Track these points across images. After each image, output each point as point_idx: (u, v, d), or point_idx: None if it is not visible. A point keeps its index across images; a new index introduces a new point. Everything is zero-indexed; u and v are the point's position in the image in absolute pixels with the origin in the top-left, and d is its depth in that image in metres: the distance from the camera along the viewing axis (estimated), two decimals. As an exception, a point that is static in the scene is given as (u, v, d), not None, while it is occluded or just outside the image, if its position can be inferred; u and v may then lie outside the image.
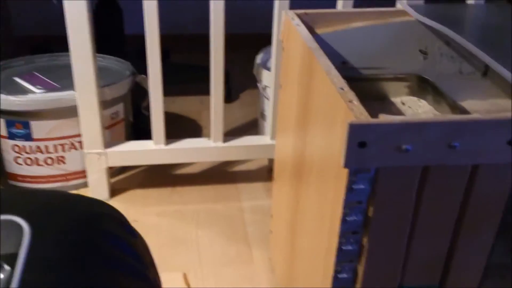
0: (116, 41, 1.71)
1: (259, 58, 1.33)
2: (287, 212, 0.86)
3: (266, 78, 1.26)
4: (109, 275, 0.30)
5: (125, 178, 1.31)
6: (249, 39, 1.85)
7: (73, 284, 0.26)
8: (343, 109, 0.53)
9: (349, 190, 0.52)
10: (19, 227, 0.29)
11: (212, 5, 1.07)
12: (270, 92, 1.21)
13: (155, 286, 0.38)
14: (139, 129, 1.37)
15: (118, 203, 1.22)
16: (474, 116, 0.50)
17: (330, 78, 0.58)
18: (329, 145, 0.59)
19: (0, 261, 0.27)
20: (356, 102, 0.53)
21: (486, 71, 0.84)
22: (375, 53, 0.86)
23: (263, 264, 1.05)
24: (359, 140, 0.49)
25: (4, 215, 0.29)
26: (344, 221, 0.54)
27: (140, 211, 1.20)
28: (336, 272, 0.57)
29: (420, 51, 0.86)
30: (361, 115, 0.50)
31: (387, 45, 0.86)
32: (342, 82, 0.57)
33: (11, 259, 0.27)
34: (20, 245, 0.27)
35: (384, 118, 0.49)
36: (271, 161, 1.36)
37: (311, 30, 0.82)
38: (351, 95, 0.54)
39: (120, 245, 0.34)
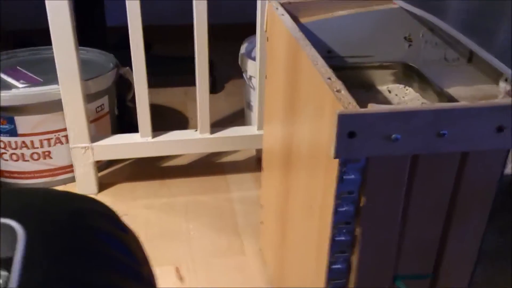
0: (98, 33, 1.68)
1: (243, 48, 1.32)
2: (277, 203, 0.86)
3: (251, 68, 1.26)
4: (103, 274, 0.30)
5: (112, 172, 1.30)
6: (231, 30, 1.84)
7: (68, 286, 0.26)
8: (330, 99, 0.53)
9: (340, 180, 0.52)
10: (12, 230, 0.28)
11: (196, -4, 1.06)
12: (255, 82, 1.21)
13: (149, 283, 0.38)
14: (124, 121, 1.36)
15: (106, 197, 1.21)
16: (463, 103, 0.50)
17: (317, 68, 0.58)
18: (317, 135, 0.59)
19: None
20: (344, 91, 0.53)
21: (470, 57, 0.85)
22: (360, 41, 0.86)
23: (254, 255, 1.05)
24: (348, 130, 0.49)
25: (-3, 218, 0.28)
26: (336, 212, 0.54)
27: (129, 204, 1.19)
28: (330, 263, 0.57)
29: (405, 38, 0.86)
30: (350, 104, 0.50)
31: (372, 33, 0.85)
32: (329, 72, 0.57)
33: (7, 263, 0.26)
34: (14, 248, 0.27)
35: (372, 107, 0.49)
36: (258, 151, 1.35)
37: (295, 19, 0.82)
38: (339, 84, 0.54)
39: (112, 243, 0.34)
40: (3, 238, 0.28)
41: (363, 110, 0.49)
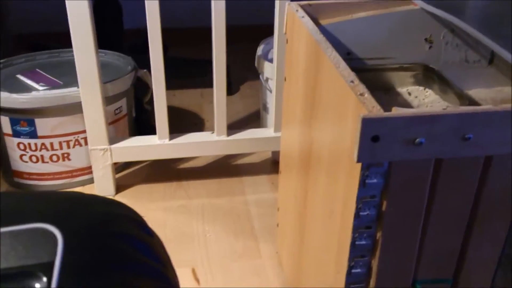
0: (115, 36, 1.70)
1: (260, 50, 1.32)
2: (294, 205, 0.86)
3: (268, 70, 1.25)
4: (132, 278, 0.30)
5: (129, 174, 1.31)
6: (245, 31, 1.84)
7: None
8: (354, 102, 0.53)
9: (362, 184, 0.52)
10: (51, 235, 0.28)
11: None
12: (272, 84, 1.21)
13: (173, 286, 0.38)
14: (141, 123, 1.37)
15: (123, 199, 1.22)
16: (489, 107, 0.49)
17: (339, 71, 0.58)
18: (339, 138, 0.59)
19: (37, 271, 0.26)
20: (367, 95, 0.52)
21: (492, 58, 0.84)
22: (379, 43, 0.85)
23: (270, 258, 1.05)
24: (372, 134, 0.48)
25: (36, 223, 0.29)
26: (357, 216, 0.54)
27: (146, 206, 1.20)
28: (350, 267, 0.57)
29: (426, 39, 0.86)
30: (374, 108, 0.50)
31: (392, 34, 0.85)
32: (352, 75, 0.57)
33: (47, 268, 0.26)
34: (54, 254, 0.27)
35: (397, 111, 0.49)
36: (274, 153, 1.35)
37: (315, 21, 0.81)
38: (362, 87, 0.54)
39: (140, 247, 0.34)
40: (43, 243, 0.28)
41: (387, 114, 0.48)
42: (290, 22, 0.81)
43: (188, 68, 1.78)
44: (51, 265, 0.27)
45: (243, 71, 1.77)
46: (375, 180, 0.52)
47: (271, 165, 1.35)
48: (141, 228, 0.38)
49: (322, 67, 0.64)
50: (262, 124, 1.38)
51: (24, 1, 1.93)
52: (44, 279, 0.26)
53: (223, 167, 1.34)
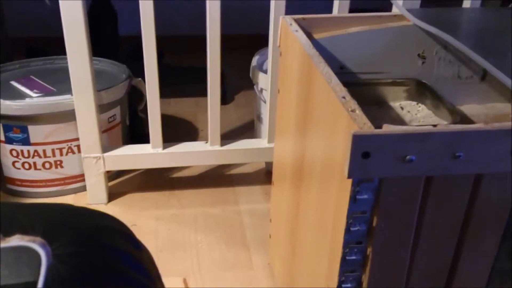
0: (110, 43, 1.70)
1: (255, 61, 1.32)
2: (286, 217, 0.86)
3: (263, 81, 1.26)
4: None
5: (122, 182, 1.31)
6: (240, 40, 1.85)
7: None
8: (345, 119, 0.53)
9: (353, 200, 0.52)
10: (35, 254, 0.28)
11: (209, 6, 1.06)
12: (266, 95, 1.21)
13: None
14: (135, 132, 1.37)
15: (116, 207, 1.22)
16: (479, 126, 0.50)
17: (331, 86, 0.58)
18: (330, 153, 0.59)
19: None
20: (358, 111, 0.53)
21: (484, 75, 0.85)
22: (373, 57, 0.86)
23: (262, 269, 1.05)
24: (363, 151, 0.49)
25: (20, 242, 0.29)
26: (348, 231, 0.54)
27: (138, 215, 1.19)
28: (340, 282, 0.57)
29: (419, 55, 0.86)
30: (365, 125, 0.50)
31: (385, 49, 0.86)
32: (343, 91, 0.57)
33: None
34: (38, 273, 0.27)
35: (388, 128, 0.49)
36: (268, 164, 1.35)
37: (308, 35, 0.82)
38: (353, 104, 0.54)
39: (129, 262, 0.34)
40: (27, 262, 0.28)
41: (378, 130, 0.48)
42: (284, 36, 0.82)
43: (183, 76, 1.78)
44: (34, 284, 0.27)
45: (238, 81, 1.77)
46: (365, 196, 0.52)
47: (265, 176, 1.35)
48: (130, 242, 0.38)
49: (314, 82, 0.65)
50: (256, 134, 1.38)
51: (21, 5, 1.93)
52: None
53: (217, 177, 1.34)
